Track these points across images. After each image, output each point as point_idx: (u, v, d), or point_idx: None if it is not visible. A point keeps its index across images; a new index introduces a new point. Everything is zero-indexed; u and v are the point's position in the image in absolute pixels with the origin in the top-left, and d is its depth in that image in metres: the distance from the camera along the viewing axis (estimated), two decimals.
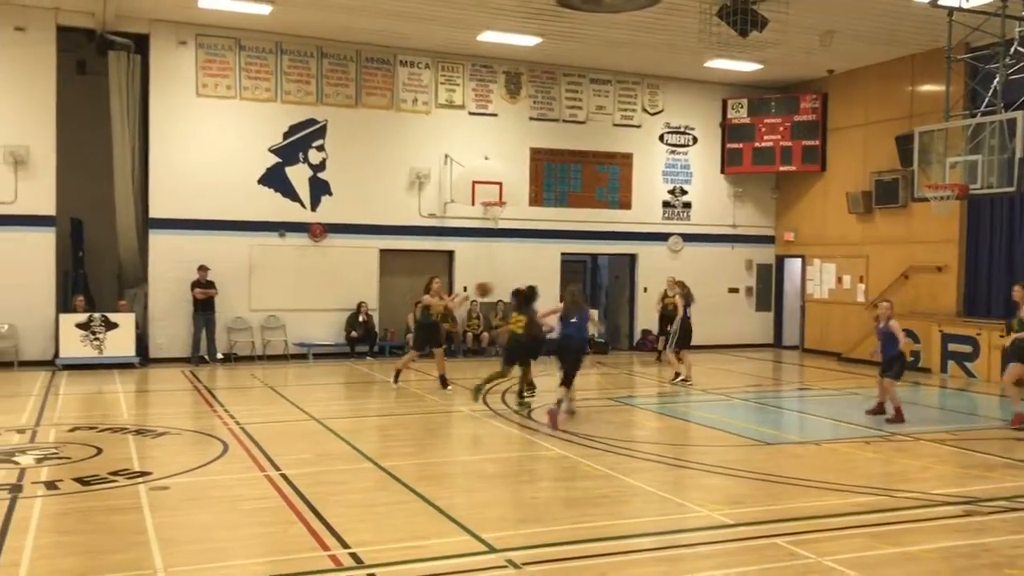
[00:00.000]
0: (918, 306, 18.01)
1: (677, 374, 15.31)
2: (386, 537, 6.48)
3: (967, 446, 10.45)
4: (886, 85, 19.13)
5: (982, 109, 13.88)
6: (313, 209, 18.33)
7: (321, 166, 18.38)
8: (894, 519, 7.23)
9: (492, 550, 6.23)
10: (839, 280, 20.49)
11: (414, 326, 14.56)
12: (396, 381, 14.36)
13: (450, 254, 19.48)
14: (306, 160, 18.27)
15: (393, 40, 18.20)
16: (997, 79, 13.65)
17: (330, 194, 18.41)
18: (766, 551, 6.36)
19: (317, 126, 18.31)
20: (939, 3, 13.62)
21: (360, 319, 18.26)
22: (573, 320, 11.61)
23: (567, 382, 11.40)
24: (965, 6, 13.52)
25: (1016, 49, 13.48)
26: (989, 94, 13.76)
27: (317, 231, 18.25)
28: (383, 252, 18.84)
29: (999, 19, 13.36)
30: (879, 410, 12.16)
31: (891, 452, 10.10)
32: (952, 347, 16.64)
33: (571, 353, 11.49)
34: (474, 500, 7.80)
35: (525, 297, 12.55)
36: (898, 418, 11.71)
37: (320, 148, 18.37)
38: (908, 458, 9.86)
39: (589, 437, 10.43)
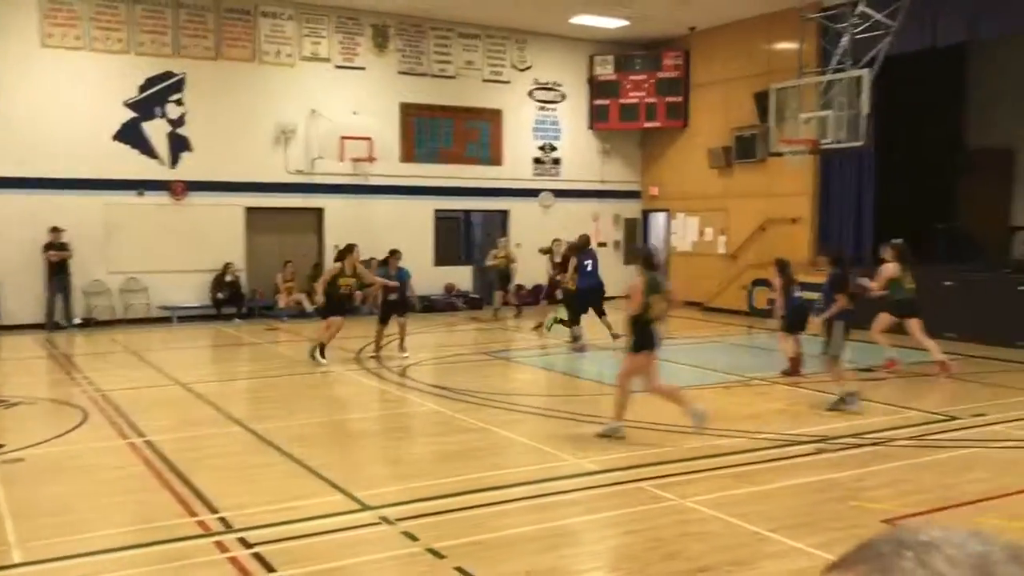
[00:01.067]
0: (775, 256, 18.80)
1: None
2: (257, 500, 6.41)
3: (819, 388, 11.06)
4: (744, 43, 19.72)
5: (832, 67, 14.52)
6: (173, 166, 17.60)
7: (180, 121, 17.62)
8: (752, 459, 7.62)
9: (366, 508, 6.25)
10: (701, 233, 21.19)
11: (323, 297, 12.89)
12: (322, 356, 12.66)
13: (319, 212, 19.11)
14: (164, 115, 17.49)
15: None
16: (845, 38, 14.28)
17: (190, 150, 17.71)
18: (633, 495, 6.61)
19: (175, 79, 17.52)
20: None
21: (227, 280, 17.76)
22: (588, 268, 14.04)
23: (603, 314, 14.27)
24: None
25: (862, 10, 14.13)
26: (838, 52, 14.40)
27: (178, 189, 17.56)
28: (249, 210, 18.30)
29: None
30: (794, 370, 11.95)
31: (751, 396, 10.62)
32: (807, 295, 17.48)
33: (599, 296, 14.37)
34: (348, 459, 7.79)
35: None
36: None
37: (179, 102, 17.60)
38: (766, 401, 10.39)
39: (463, 391, 10.53)
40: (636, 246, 8.54)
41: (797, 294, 12.22)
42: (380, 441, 8.62)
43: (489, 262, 18.76)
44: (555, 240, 16.57)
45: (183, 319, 17.47)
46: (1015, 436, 8.53)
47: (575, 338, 14.19)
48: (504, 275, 18.62)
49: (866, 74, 13.69)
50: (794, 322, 12.03)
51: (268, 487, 6.80)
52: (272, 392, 11.04)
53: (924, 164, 18.23)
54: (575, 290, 14.27)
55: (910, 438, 8.40)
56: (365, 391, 11.00)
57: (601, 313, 14.47)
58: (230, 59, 17.96)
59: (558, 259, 15.80)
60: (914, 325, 11.96)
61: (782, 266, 12.27)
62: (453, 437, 8.52)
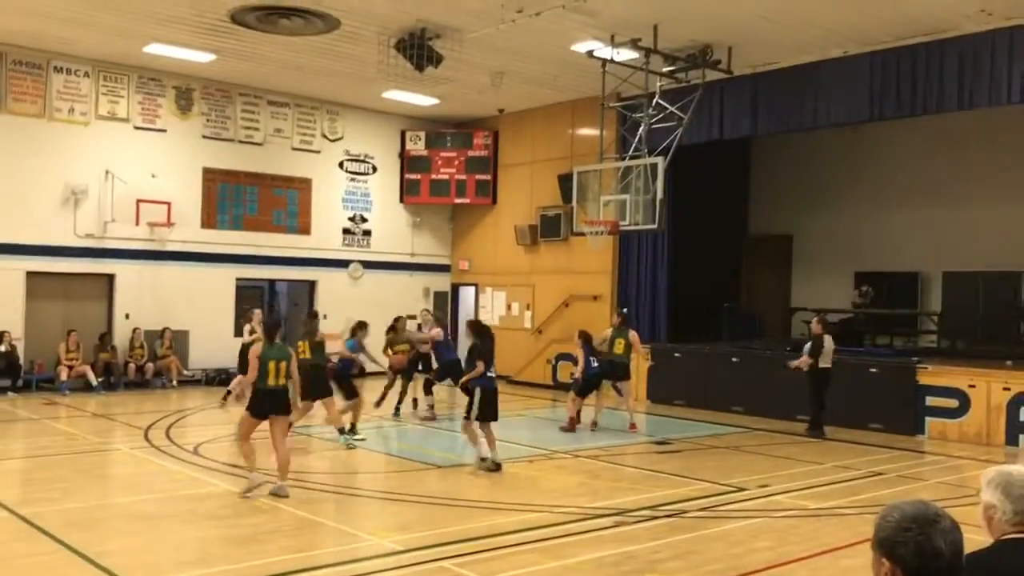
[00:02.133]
0: (579, 329, 19.37)
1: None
2: None
3: (618, 461, 11.39)
4: (550, 127, 20.55)
5: (630, 153, 15.32)
6: None
7: None
8: (555, 534, 7.68)
9: None
10: (509, 307, 21.60)
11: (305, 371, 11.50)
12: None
13: (111, 278, 18.00)
14: None
15: (46, 43, 16.55)
16: (642, 127, 15.14)
17: None
18: (434, 575, 6.47)
19: None
20: (594, 54, 14.88)
21: (1, 350, 16.27)
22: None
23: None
24: (617, 59, 14.88)
25: (657, 101, 15.07)
26: (636, 140, 15.24)
27: None
28: (31, 275, 16.95)
29: (643, 73, 14.85)
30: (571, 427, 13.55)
31: (552, 470, 10.76)
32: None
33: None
34: (130, 545, 7.21)
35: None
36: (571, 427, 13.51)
37: None
38: (567, 474, 10.55)
39: (261, 471, 10.04)
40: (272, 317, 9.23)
41: (594, 364, 13.63)
42: (166, 524, 8.04)
43: (245, 338, 15.64)
44: (424, 310, 16.57)
45: None
46: (796, 505, 9.06)
47: (429, 407, 14.68)
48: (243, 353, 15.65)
49: (660, 162, 14.52)
50: (586, 387, 13.63)
51: None
52: (47, 472, 10.12)
53: (713, 247, 19.51)
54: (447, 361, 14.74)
55: (701, 509, 8.75)
56: (152, 471, 10.28)
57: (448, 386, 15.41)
58: (16, 113, 16.78)
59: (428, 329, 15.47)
60: (624, 386, 13.99)
61: (586, 338, 13.77)
62: (246, 519, 8.07)
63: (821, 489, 9.86)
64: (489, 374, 10.42)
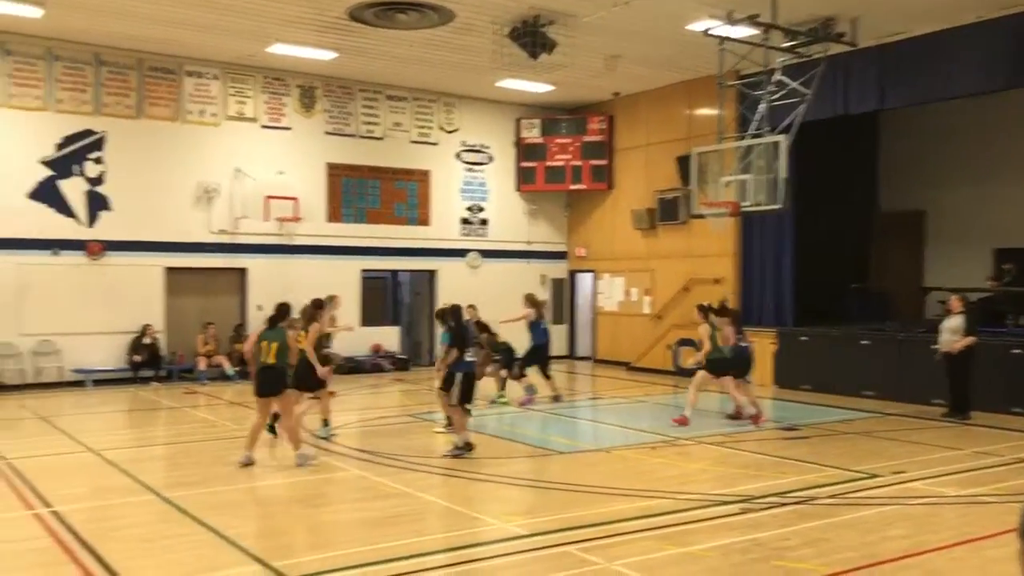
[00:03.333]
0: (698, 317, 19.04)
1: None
2: (169, 572, 6.14)
3: (742, 447, 11.17)
4: (666, 108, 20.24)
5: (750, 132, 14.91)
6: (90, 225, 17.14)
7: (99, 180, 17.23)
8: (677, 520, 7.60)
9: None
10: (627, 293, 21.44)
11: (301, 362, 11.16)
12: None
13: (243, 272, 18.79)
14: (82, 173, 17.08)
15: (178, 49, 17.39)
16: (762, 105, 14.72)
17: (109, 209, 17.30)
18: (558, 559, 6.51)
19: (94, 137, 17.17)
20: (710, 32, 14.54)
21: (145, 342, 17.25)
22: (542, 325, 14.87)
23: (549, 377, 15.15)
24: (733, 36, 14.50)
25: (778, 78, 14.61)
26: (756, 119, 14.82)
27: (95, 249, 17.08)
28: (169, 270, 17.89)
29: (763, 50, 14.44)
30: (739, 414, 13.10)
31: (675, 456, 10.64)
32: None
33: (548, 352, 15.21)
34: (266, 527, 7.54)
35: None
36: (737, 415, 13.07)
37: (98, 161, 17.23)
38: (690, 461, 10.42)
39: (387, 455, 10.33)
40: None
41: (744, 343, 13.12)
42: (299, 508, 8.36)
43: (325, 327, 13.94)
44: (469, 306, 15.79)
45: (98, 383, 16.87)
46: (933, 493, 8.69)
47: (528, 389, 14.83)
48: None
49: (783, 140, 14.07)
50: (741, 368, 13.03)
51: (181, 558, 6.52)
52: (188, 458, 10.66)
53: (840, 226, 18.84)
54: (531, 346, 14.85)
55: (831, 496, 8.50)
56: (287, 456, 10.67)
57: (547, 374, 15.20)
58: (153, 118, 17.69)
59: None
60: (701, 376, 12.94)
61: (734, 316, 13.42)
62: (375, 503, 8.31)
63: (961, 476, 9.43)
64: (468, 359, 10.55)
